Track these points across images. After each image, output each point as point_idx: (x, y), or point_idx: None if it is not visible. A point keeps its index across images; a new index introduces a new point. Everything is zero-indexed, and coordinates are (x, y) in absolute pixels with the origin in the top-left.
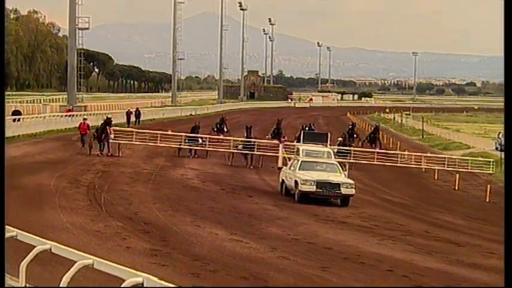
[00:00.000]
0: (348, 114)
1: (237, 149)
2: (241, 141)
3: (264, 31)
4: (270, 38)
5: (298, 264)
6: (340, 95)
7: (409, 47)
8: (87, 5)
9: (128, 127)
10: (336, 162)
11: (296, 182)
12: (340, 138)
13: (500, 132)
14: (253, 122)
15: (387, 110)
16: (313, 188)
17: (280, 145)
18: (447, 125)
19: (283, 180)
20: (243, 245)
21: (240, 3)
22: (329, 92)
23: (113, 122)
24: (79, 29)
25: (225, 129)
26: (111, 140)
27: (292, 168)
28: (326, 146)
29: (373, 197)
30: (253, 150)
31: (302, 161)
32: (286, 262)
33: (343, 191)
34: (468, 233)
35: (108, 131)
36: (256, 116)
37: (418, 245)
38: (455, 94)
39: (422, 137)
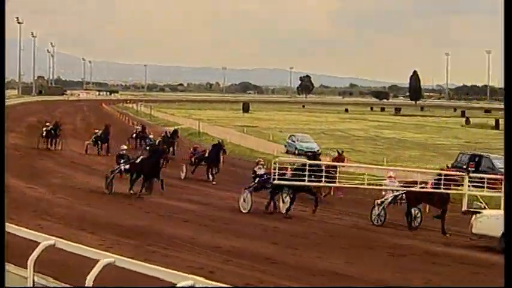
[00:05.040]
0: (103, 104)
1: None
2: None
3: (48, 51)
4: (52, 55)
5: (67, 201)
6: (97, 92)
7: (141, 60)
8: None
9: None
10: None
11: None
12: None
13: (292, 135)
14: (42, 109)
15: (128, 101)
16: None
17: (465, 178)
18: (166, 111)
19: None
20: (35, 190)
21: (32, 32)
22: (91, 89)
23: None
24: None
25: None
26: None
27: None
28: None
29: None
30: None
31: None
32: (64, 201)
33: None
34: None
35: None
36: (44, 105)
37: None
38: (171, 91)
39: (151, 118)
